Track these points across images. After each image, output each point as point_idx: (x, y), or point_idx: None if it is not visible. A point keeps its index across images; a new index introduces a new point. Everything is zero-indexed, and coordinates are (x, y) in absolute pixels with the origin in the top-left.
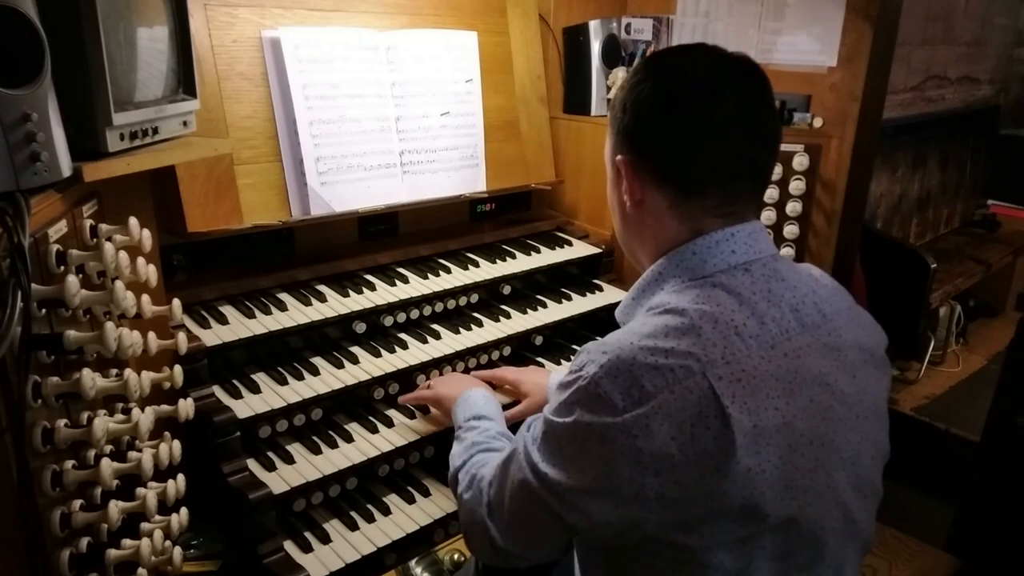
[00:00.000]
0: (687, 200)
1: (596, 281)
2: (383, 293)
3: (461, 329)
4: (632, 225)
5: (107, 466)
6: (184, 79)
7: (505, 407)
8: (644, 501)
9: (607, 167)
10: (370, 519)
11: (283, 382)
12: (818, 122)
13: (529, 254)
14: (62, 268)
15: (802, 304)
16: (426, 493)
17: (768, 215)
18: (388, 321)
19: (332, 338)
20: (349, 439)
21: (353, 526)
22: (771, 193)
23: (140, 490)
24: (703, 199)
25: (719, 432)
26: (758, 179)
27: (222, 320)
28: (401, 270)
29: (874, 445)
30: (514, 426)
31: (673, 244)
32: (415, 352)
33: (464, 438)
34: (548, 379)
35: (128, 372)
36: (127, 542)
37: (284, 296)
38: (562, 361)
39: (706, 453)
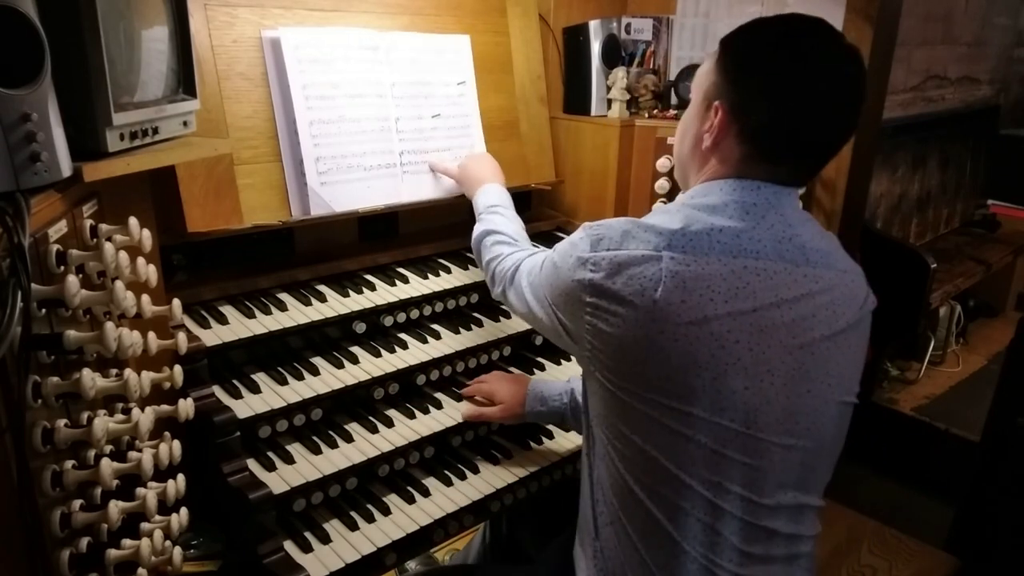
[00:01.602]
0: (760, 163)
1: None
2: (383, 293)
3: (461, 329)
4: (698, 156)
5: (107, 466)
6: (184, 79)
7: None
8: (585, 320)
9: (695, 94)
10: (370, 519)
11: (283, 382)
12: None
13: None
14: (62, 268)
15: (787, 241)
16: (426, 493)
17: None
18: (388, 321)
19: (332, 338)
20: (349, 439)
21: (353, 526)
22: None
23: (140, 490)
24: (775, 166)
25: (658, 291)
26: (825, 158)
27: (222, 320)
28: (401, 270)
29: (819, 384)
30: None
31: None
32: (415, 352)
33: (484, 219)
34: (528, 386)
35: (128, 372)
36: (127, 542)
37: (284, 296)
38: (562, 361)
39: (647, 303)
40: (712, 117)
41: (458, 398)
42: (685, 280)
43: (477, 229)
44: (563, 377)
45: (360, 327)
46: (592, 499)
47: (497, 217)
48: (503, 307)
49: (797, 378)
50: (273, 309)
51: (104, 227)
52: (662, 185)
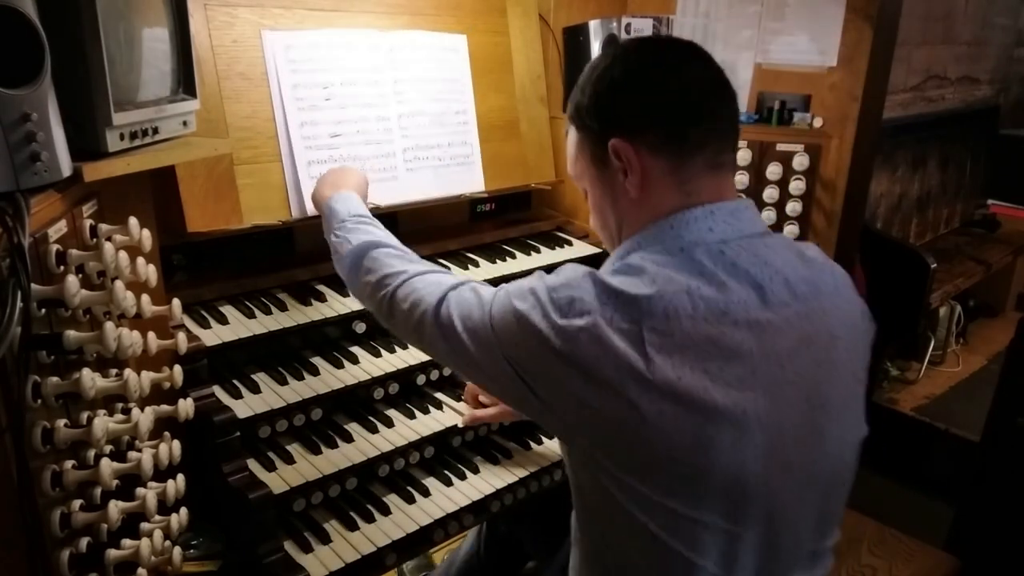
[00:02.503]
0: (688, 157)
1: None
2: None
3: None
4: (628, 211)
5: (107, 466)
6: (184, 79)
7: None
8: (563, 397)
9: (586, 170)
10: (370, 519)
11: (283, 382)
12: (818, 122)
13: (529, 254)
14: (62, 268)
15: (769, 282)
16: (426, 493)
17: (768, 215)
18: None
19: (332, 338)
20: (349, 439)
21: (353, 526)
22: (771, 193)
23: (140, 490)
24: (701, 150)
25: (640, 371)
26: (735, 127)
27: (222, 320)
28: None
29: (825, 436)
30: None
31: (660, 215)
32: (415, 352)
33: (361, 229)
34: None
35: (128, 372)
36: (127, 542)
37: (284, 296)
38: None
39: (624, 368)
40: (618, 161)
41: (458, 398)
42: (672, 354)
43: (346, 242)
44: None
45: (360, 327)
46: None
47: (372, 228)
48: None
49: (812, 440)
50: (273, 309)
51: (104, 227)
52: None
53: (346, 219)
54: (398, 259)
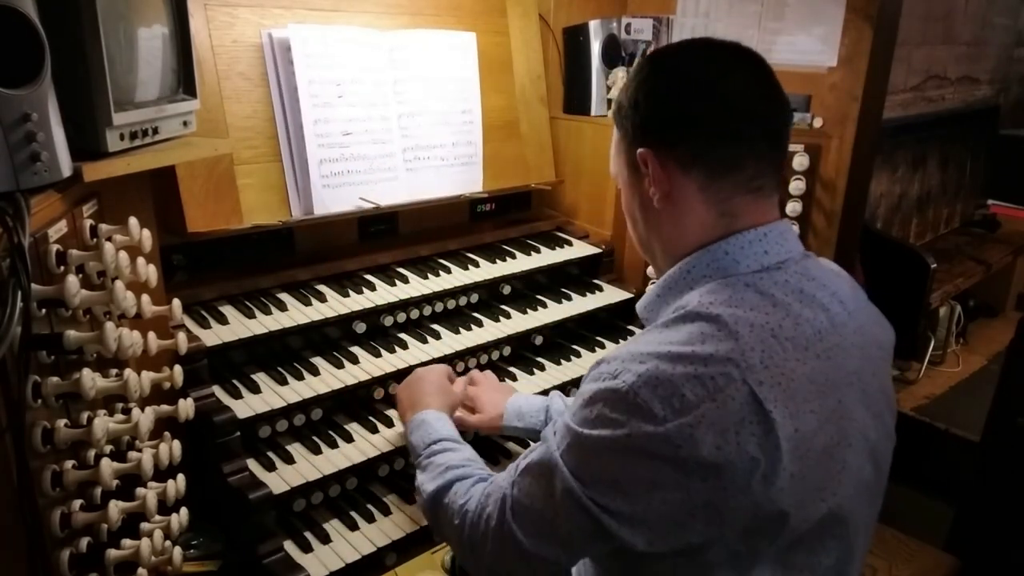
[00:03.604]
0: (719, 178)
1: (596, 281)
2: (383, 293)
3: (461, 329)
4: (657, 222)
5: (107, 466)
6: (184, 79)
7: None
8: (691, 509)
9: (620, 171)
10: (370, 519)
11: (283, 382)
12: (818, 122)
13: (529, 254)
14: (62, 268)
15: (831, 302)
16: None
17: None
18: (388, 321)
19: (332, 338)
20: (349, 439)
21: (353, 526)
22: None
23: (140, 490)
24: (735, 172)
25: (763, 438)
26: (778, 148)
27: (222, 320)
28: (401, 270)
29: (888, 438)
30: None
31: (702, 238)
32: (415, 352)
33: (434, 463)
34: (508, 400)
35: (128, 372)
36: (127, 542)
37: (284, 296)
38: (562, 361)
39: (752, 461)
40: (644, 172)
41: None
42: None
43: (422, 486)
44: (565, 378)
45: (360, 327)
46: None
47: (443, 457)
48: (503, 307)
49: (878, 455)
50: (273, 309)
51: (104, 227)
52: None
53: (420, 454)
54: (463, 496)
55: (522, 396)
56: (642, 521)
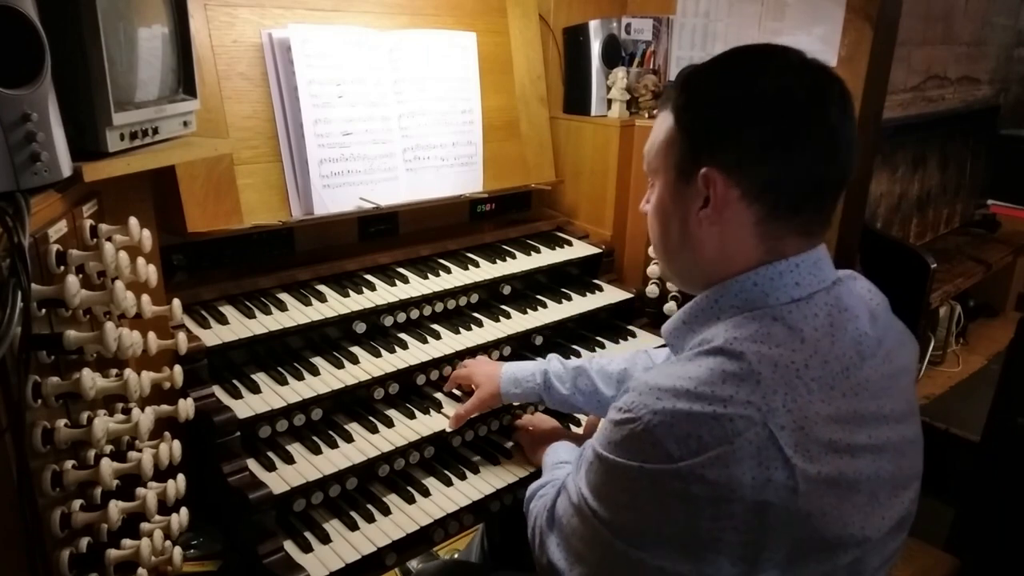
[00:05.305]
0: (779, 218)
1: (596, 281)
2: (383, 293)
3: (461, 329)
4: (697, 242)
5: (107, 466)
6: (184, 79)
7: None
8: (700, 541)
9: (663, 171)
10: (370, 519)
11: (283, 382)
12: None
13: (529, 254)
14: (62, 268)
15: (862, 334)
16: (426, 493)
17: None
18: (388, 321)
19: (332, 338)
20: (349, 439)
21: (353, 526)
22: None
23: (140, 490)
24: (797, 215)
25: (782, 483)
26: (839, 193)
27: (222, 320)
28: (401, 270)
29: (918, 453)
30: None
31: (743, 267)
32: (415, 352)
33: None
34: (502, 369)
35: (128, 372)
36: (127, 542)
37: (284, 296)
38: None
39: (766, 504)
40: (704, 189)
41: (457, 398)
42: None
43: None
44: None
45: (360, 327)
46: None
47: (560, 471)
48: (503, 307)
49: (907, 476)
50: (273, 309)
51: (104, 227)
52: None
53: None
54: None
55: (514, 363)
56: (653, 544)
